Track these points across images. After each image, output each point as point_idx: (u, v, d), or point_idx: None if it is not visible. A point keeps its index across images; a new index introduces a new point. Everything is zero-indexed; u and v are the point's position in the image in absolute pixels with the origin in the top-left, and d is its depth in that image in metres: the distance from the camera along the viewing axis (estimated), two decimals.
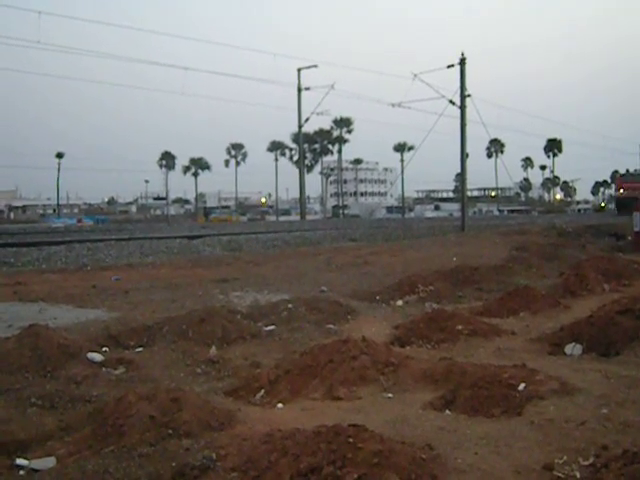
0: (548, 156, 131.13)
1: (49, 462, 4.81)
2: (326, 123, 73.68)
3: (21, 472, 4.65)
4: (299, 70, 47.01)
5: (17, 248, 20.63)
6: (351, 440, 4.03)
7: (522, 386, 5.71)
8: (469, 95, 37.05)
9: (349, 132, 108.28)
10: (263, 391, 6.42)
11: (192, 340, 8.44)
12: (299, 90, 46.99)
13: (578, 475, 4.07)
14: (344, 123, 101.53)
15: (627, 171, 74.58)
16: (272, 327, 9.41)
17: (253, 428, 5.10)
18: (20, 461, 4.84)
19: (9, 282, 14.23)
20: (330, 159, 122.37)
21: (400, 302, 11.95)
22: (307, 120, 45.12)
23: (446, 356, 7.20)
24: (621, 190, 66.05)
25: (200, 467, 4.33)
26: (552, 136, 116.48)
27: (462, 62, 36.73)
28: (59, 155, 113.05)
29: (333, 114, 76.40)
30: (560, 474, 4.06)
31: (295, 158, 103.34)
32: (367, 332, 8.20)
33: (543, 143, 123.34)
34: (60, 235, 33.65)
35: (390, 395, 6.16)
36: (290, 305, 10.51)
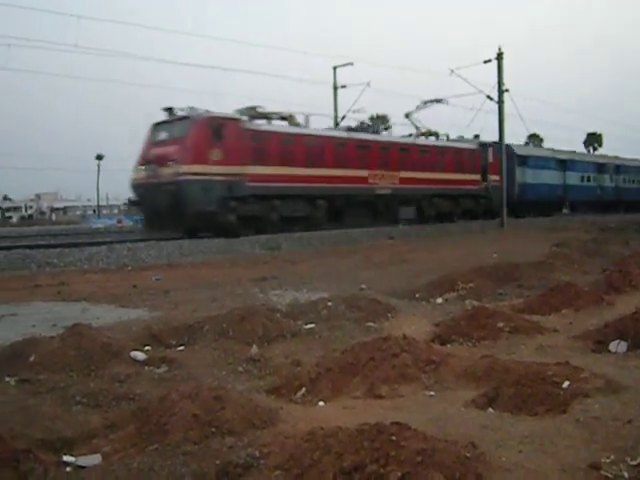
0: (588, 150, 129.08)
1: (95, 459, 4.88)
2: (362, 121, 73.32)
3: (68, 469, 4.72)
4: (335, 68, 46.87)
5: (60, 249, 20.95)
6: (394, 438, 4.01)
7: (566, 384, 5.62)
8: (507, 90, 36.70)
9: (386, 129, 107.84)
10: (304, 389, 6.43)
11: (233, 339, 8.49)
12: (335, 88, 46.84)
13: (626, 475, 3.99)
14: (380, 120, 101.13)
15: None
16: (312, 325, 9.41)
17: (295, 426, 5.11)
18: (67, 458, 4.92)
19: (53, 282, 14.48)
20: None
21: (440, 300, 11.87)
22: (343, 118, 44.88)
23: (487, 354, 7.12)
24: None
25: (244, 465, 4.36)
26: (592, 130, 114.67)
27: (499, 57, 36.35)
28: (99, 157, 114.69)
29: (369, 111, 76.20)
30: (607, 473, 3.99)
31: None
32: (407, 330, 8.15)
33: (583, 137, 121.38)
34: (101, 236, 34.19)
35: (432, 393, 6.12)
36: (329, 303, 10.50)
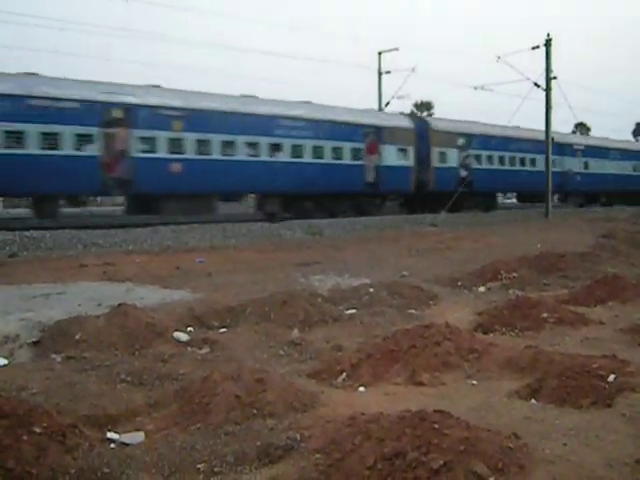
0: (637, 139, 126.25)
1: (138, 437, 4.96)
2: (407, 107, 72.77)
3: (112, 445, 4.80)
4: (380, 53, 46.53)
5: (105, 230, 21.24)
6: (436, 426, 3.99)
7: (612, 377, 5.52)
8: (555, 77, 35.97)
9: (430, 116, 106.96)
10: (345, 374, 6.43)
11: (274, 322, 8.54)
12: (379, 74, 46.52)
13: None
14: (425, 107, 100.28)
15: None
16: (353, 311, 9.41)
17: (336, 411, 5.12)
18: (111, 435, 5.01)
19: (98, 262, 14.70)
20: None
21: (483, 288, 11.77)
22: (387, 104, 44.57)
23: (531, 344, 7.03)
24: None
25: (284, 447, 4.38)
26: None
27: (548, 43, 35.63)
28: None
29: (414, 98, 75.58)
30: None
31: None
32: (449, 318, 8.10)
33: (632, 127, 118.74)
34: (145, 218, 34.56)
35: (474, 382, 6.08)
36: (371, 289, 10.49)
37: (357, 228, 26.05)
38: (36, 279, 12.10)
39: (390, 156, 35.64)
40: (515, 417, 4.93)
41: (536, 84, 35.88)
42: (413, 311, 9.50)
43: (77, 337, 7.45)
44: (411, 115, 43.02)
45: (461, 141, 40.12)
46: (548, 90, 35.74)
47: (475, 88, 40.68)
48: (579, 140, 52.57)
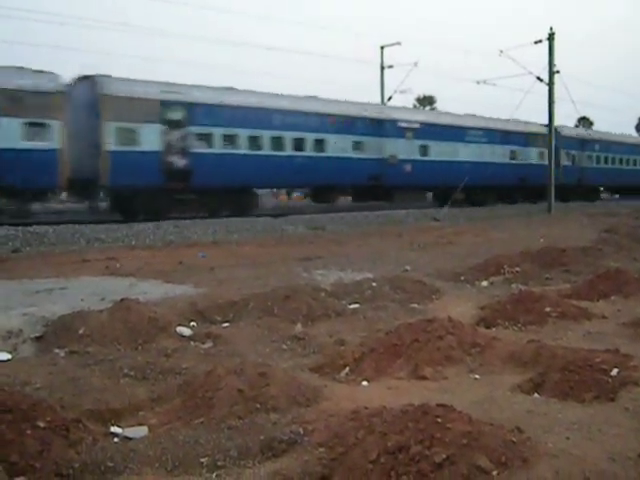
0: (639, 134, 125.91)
1: (141, 431, 4.97)
2: (409, 101, 72.71)
3: (115, 439, 4.81)
4: (382, 48, 46.43)
5: (108, 225, 21.25)
6: (439, 420, 3.99)
7: (615, 371, 5.51)
8: (558, 71, 35.91)
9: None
10: (348, 368, 6.44)
11: (277, 316, 8.54)
12: (382, 68, 46.43)
13: None
14: (427, 101, 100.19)
15: None
16: (356, 305, 9.42)
17: (339, 405, 5.13)
18: (114, 429, 5.02)
19: (101, 257, 14.72)
20: None
21: (485, 283, 11.76)
22: (390, 98, 44.48)
23: (534, 338, 7.03)
24: None
25: (287, 441, 4.39)
26: None
27: (550, 37, 35.58)
28: None
29: (416, 92, 75.42)
30: None
31: None
32: (452, 312, 8.09)
33: (634, 121, 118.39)
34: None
35: (477, 376, 6.08)
36: (374, 284, 10.49)
37: (359, 223, 26.05)
38: (39, 274, 12.12)
39: None
40: (518, 411, 4.93)
41: (539, 78, 35.85)
42: (416, 305, 9.50)
43: (80, 332, 7.46)
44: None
45: (171, 114, 26.79)
46: (551, 84, 35.69)
47: (478, 82, 40.70)
48: (410, 115, 38.35)
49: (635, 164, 56.12)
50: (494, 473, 3.64)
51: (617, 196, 61.50)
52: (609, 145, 52.56)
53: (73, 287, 10.68)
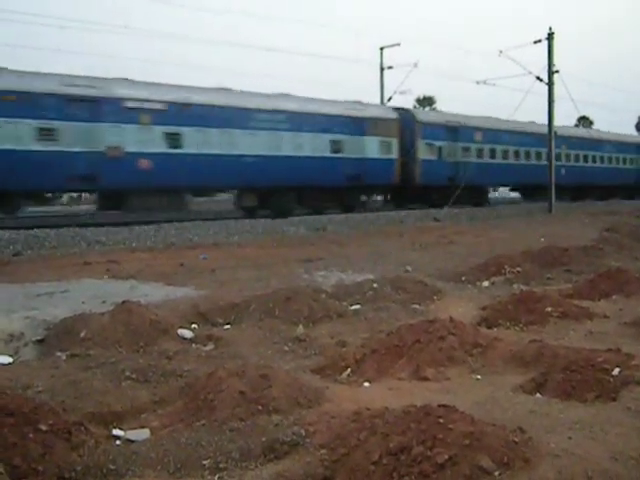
0: None
1: (143, 434, 4.97)
2: (409, 102, 72.75)
3: (117, 442, 4.81)
4: (382, 49, 46.45)
5: (108, 227, 21.24)
6: (441, 420, 3.99)
7: (617, 371, 5.51)
8: (557, 71, 35.91)
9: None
10: (350, 370, 6.45)
11: (278, 318, 8.54)
12: (382, 69, 46.44)
13: None
14: (427, 102, 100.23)
15: None
16: (357, 306, 9.42)
17: (341, 406, 5.13)
18: (116, 432, 5.02)
19: (102, 260, 14.72)
20: None
21: (486, 283, 11.76)
22: (390, 99, 44.43)
23: (536, 338, 7.03)
24: None
25: (290, 443, 4.39)
26: None
27: (550, 37, 35.59)
28: None
29: (416, 93, 75.43)
30: None
31: None
32: (453, 313, 8.10)
33: (634, 120, 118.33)
34: (148, 215, 34.61)
35: (479, 377, 6.08)
36: (375, 285, 10.49)
37: (360, 224, 26.05)
38: (40, 277, 12.12)
39: None
40: (520, 411, 4.94)
41: (538, 78, 35.84)
42: (417, 306, 9.50)
43: (82, 335, 7.47)
44: None
45: None
46: (550, 84, 35.69)
47: (477, 83, 40.66)
48: (145, 92, 26.21)
49: (539, 158, 42.97)
50: (496, 473, 3.64)
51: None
52: (499, 134, 40.96)
53: (74, 290, 10.68)
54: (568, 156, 46.36)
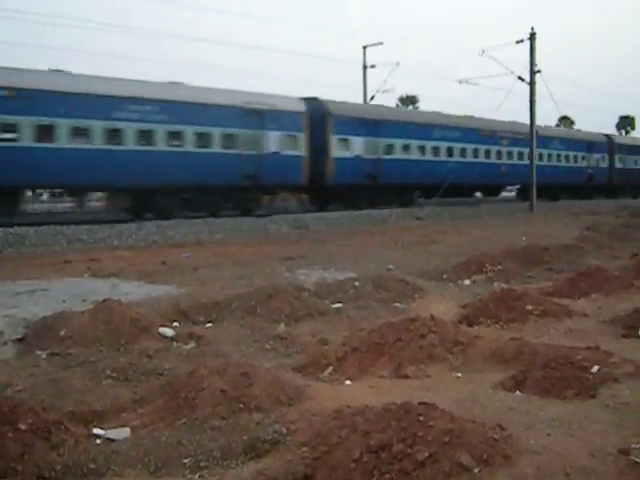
0: (620, 133, 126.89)
1: (124, 432, 4.94)
2: (392, 101, 72.86)
3: (97, 441, 4.78)
4: (364, 48, 46.51)
5: (90, 225, 21.10)
6: (421, 418, 4.00)
7: (596, 368, 5.57)
8: (539, 71, 36.21)
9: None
10: (331, 368, 6.45)
11: (260, 316, 8.53)
12: (364, 68, 46.53)
13: None
14: (410, 101, 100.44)
15: None
16: (339, 305, 9.43)
17: (322, 404, 5.13)
18: (97, 430, 4.99)
19: (83, 258, 14.64)
20: None
21: (468, 281, 11.82)
22: (372, 98, 44.51)
23: (516, 336, 7.08)
24: None
25: (271, 441, 4.39)
26: (625, 113, 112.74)
27: (532, 37, 35.86)
28: None
29: (399, 92, 75.46)
30: (637, 459, 3.95)
31: None
32: (434, 311, 8.12)
33: (615, 120, 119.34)
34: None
35: (459, 374, 6.11)
36: (357, 283, 10.51)
37: (342, 222, 26.09)
38: (20, 276, 12.04)
39: None
40: (500, 408, 4.97)
41: (520, 78, 36.09)
42: (398, 304, 9.52)
43: (62, 333, 7.42)
44: None
45: None
46: (532, 84, 35.95)
47: (460, 82, 40.79)
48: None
49: (465, 155, 39.20)
50: (476, 470, 3.66)
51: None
52: (429, 129, 36.82)
53: (55, 288, 10.61)
54: (510, 154, 42.95)
